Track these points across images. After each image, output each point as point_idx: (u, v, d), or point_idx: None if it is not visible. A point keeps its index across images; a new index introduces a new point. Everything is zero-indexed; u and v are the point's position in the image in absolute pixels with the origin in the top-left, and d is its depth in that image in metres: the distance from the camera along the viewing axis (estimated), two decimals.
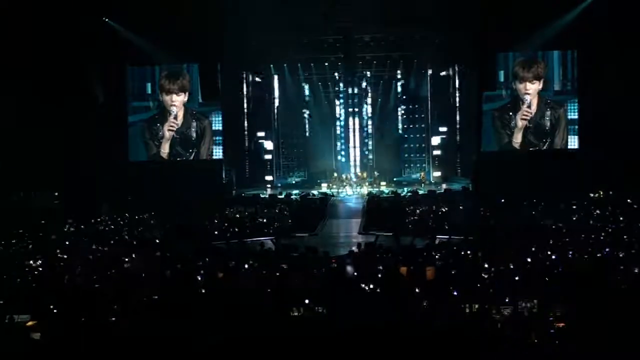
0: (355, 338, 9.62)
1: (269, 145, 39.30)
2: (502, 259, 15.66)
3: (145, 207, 29.37)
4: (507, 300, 11.66)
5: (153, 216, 28.32)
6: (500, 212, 26.28)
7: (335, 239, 26.05)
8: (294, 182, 38.93)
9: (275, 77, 39.63)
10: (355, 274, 15.04)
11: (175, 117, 34.60)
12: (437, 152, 39.15)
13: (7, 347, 9.82)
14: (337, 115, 40.12)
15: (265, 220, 27.82)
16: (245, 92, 38.37)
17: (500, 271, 14.50)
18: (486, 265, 15.08)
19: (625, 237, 18.79)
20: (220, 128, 35.10)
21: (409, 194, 33.98)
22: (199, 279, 14.62)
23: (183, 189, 31.84)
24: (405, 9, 33.39)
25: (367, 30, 35.73)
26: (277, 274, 14.96)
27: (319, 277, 14.59)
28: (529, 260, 15.58)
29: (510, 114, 33.73)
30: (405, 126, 40.07)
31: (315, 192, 35.43)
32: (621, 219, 23.68)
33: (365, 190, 35.65)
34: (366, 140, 40.12)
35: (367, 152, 40.05)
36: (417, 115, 40.04)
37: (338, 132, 40.09)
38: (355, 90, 39.68)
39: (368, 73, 39.55)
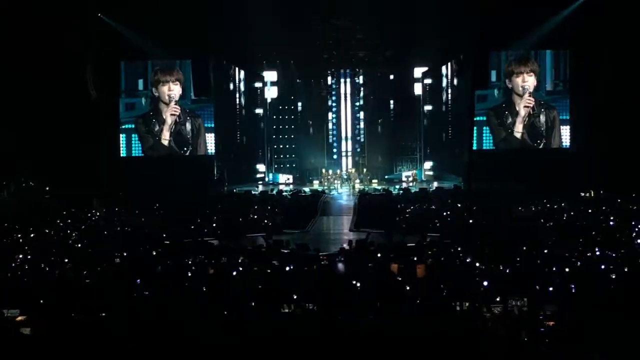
0: (346, 334, 9.64)
1: (260, 141, 39.28)
2: (492, 257, 15.72)
3: (136, 203, 29.30)
4: (497, 298, 11.70)
5: (144, 211, 28.26)
6: (491, 211, 26.30)
7: (327, 236, 26.05)
8: (285, 179, 38.85)
9: (268, 73, 39.52)
10: (346, 271, 15.06)
11: (176, 103, 34.53)
12: (428, 150, 39.17)
13: None
14: (329, 113, 40.04)
15: (256, 217, 27.79)
16: (237, 88, 38.30)
17: (491, 269, 14.54)
18: (477, 264, 15.11)
19: (617, 235, 18.88)
20: (212, 124, 35.07)
21: (400, 191, 33.99)
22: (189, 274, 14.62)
23: (175, 185, 31.78)
24: (400, 7, 33.42)
25: (360, 28, 35.72)
26: (268, 270, 14.96)
27: (310, 274, 14.60)
28: (519, 259, 15.61)
29: (506, 112, 33.82)
30: (397, 124, 40.01)
31: (306, 189, 35.40)
32: (611, 218, 23.77)
33: (356, 187, 35.63)
34: (358, 138, 40.08)
35: (358, 150, 40.02)
36: (409, 113, 39.96)
37: (330, 129, 40.04)
38: (348, 88, 39.61)
39: (361, 70, 39.49)
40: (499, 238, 19.70)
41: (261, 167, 39.33)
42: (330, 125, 39.98)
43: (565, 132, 33.79)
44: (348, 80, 39.49)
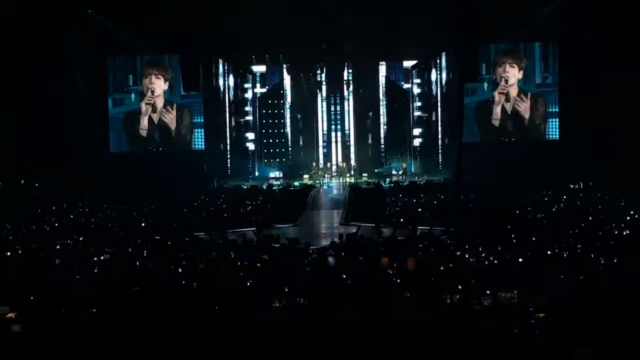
0: (336, 329, 9.65)
1: (250, 136, 39.23)
2: (482, 249, 15.77)
3: (126, 199, 29.23)
4: (487, 291, 11.72)
5: (135, 207, 28.22)
6: (481, 204, 26.36)
7: (317, 230, 26.06)
8: (275, 173, 38.80)
9: (257, 67, 39.49)
10: (337, 264, 15.07)
11: (153, 93, 34.52)
12: (418, 144, 39.22)
13: None
14: (319, 107, 40.02)
15: (246, 212, 27.77)
16: (226, 83, 38.26)
17: (481, 262, 14.58)
18: (467, 256, 15.16)
19: (606, 227, 18.95)
20: (202, 119, 35.07)
21: (390, 185, 34.04)
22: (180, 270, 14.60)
23: (165, 180, 31.74)
24: (389, 0, 33.46)
25: (350, 21, 35.67)
26: (259, 265, 14.96)
27: (300, 268, 14.60)
28: (509, 251, 15.65)
29: (491, 105, 34.01)
30: (387, 118, 40.03)
31: (296, 183, 35.41)
32: (599, 207, 23.89)
33: (346, 181, 35.66)
34: (347, 132, 40.07)
35: (348, 144, 40.01)
36: (399, 107, 39.98)
37: (320, 123, 40.01)
38: (337, 81, 39.60)
39: (350, 64, 39.46)
40: (490, 230, 19.76)
41: (251, 162, 39.28)
42: (319, 119, 39.93)
43: (554, 124, 33.93)
44: (337, 74, 39.45)
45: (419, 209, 26.46)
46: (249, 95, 39.77)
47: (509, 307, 11.24)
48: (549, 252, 15.51)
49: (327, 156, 39.40)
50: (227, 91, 38.41)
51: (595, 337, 8.77)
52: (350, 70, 39.77)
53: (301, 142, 39.86)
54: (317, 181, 35.75)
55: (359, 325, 9.99)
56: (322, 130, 39.97)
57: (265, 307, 11.50)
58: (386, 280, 13.18)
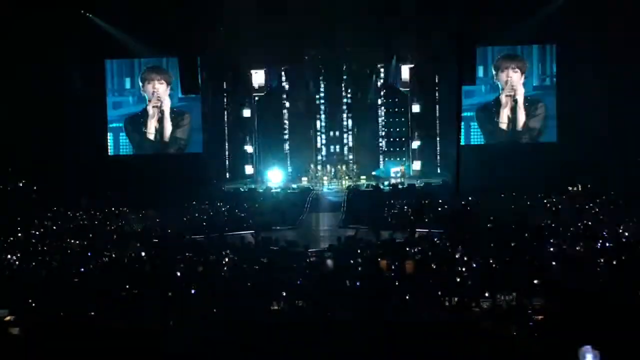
0: (335, 331, 9.65)
1: (248, 138, 39.17)
2: (481, 252, 15.77)
3: (125, 202, 29.24)
4: (486, 293, 11.73)
5: (134, 210, 28.22)
6: (479, 206, 26.37)
7: (315, 232, 26.08)
8: (273, 176, 38.70)
9: (255, 69, 39.45)
10: (335, 267, 15.07)
11: (158, 99, 34.60)
12: (417, 147, 39.16)
13: None
14: (317, 110, 39.97)
15: (245, 214, 27.79)
16: (225, 86, 38.23)
17: (480, 264, 14.58)
18: (465, 259, 15.16)
19: (605, 232, 18.95)
20: (200, 122, 35.07)
21: (388, 187, 34.03)
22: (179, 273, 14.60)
23: (163, 183, 31.70)
24: (387, 3, 33.44)
25: (348, 24, 35.66)
26: (257, 267, 14.96)
27: (299, 271, 14.60)
28: (508, 253, 15.65)
29: (494, 109, 34.10)
30: (385, 120, 40.00)
31: (295, 185, 35.40)
32: (597, 210, 23.90)
33: (344, 183, 35.64)
34: (346, 135, 40.02)
35: (347, 146, 39.94)
36: (397, 109, 39.97)
37: (318, 126, 39.97)
38: (336, 84, 39.57)
39: (348, 67, 39.42)
40: (488, 233, 19.78)
41: (249, 165, 39.21)
42: (318, 122, 39.90)
43: (552, 126, 33.97)
44: (335, 76, 39.42)
45: (417, 212, 26.46)
46: (247, 97, 39.69)
47: (508, 309, 11.25)
48: (547, 254, 15.52)
49: (326, 159, 39.30)
50: (225, 94, 38.35)
51: (592, 339, 8.77)
52: (348, 73, 39.71)
53: (300, 145, 39.79)
54: (316, 184, 35.71)
55: (358, 327, 10.00)
56: (320, 133, 39.90)
57: (264, 310, 11.50)
58: (385, 282, 13.18)
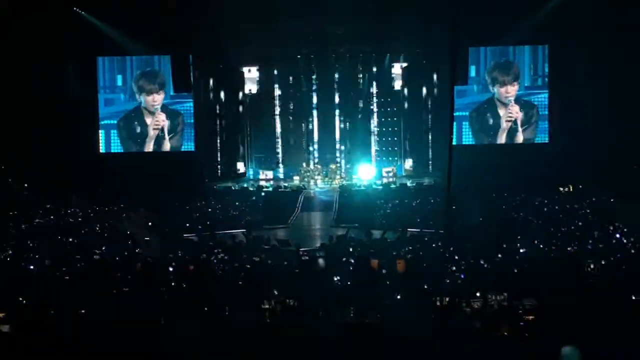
0: (327, 330, 9.66)
1: (240, 137, 39.17)
2: (472, 252, 15.80)
3: (116, 199, 29.18)
4: (477, 293, 11.75)
5: (123, 208, 28.18)
6: (470, 206, 26.40)
7: (307, 231, 26.13)
8: (266, 174, 38.75)
9: (248, 69, 39.45)
10: (327, 266, 15.08)
11: (159, 114, 34.59)
12: (408, 146, 39.21)
13: None
14: (309, 109, 39.98)
15: (236, 213, 27.80)
16: (217, 84, 38.20)
17: (471, 264, 14.61)
18: (456, 258, 15.18)
19: (595, 233, 19.01)
20: (192, 120, 35.04)
21: (380, 187, 34.09)
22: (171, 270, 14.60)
23: (155, 181, 31.61)
24: (380, 3, 33.43)
25: (339, 23, 35.69)
26: (248, 266, 14.97)
27: (290, 270, 14.61)
28: (499, 253, 15.69)
29: (488, 115, 34.13)
30: (377, 120, 40.04)
31: (287, 184, 35.40)
32: (588, 211, 23.96)
33: (336, 183, 35.66)
34: (338, 134, 40.01)
35: (339, 146, 39.95)
36: (389, 109, 40.01)
37: (310, 125, 39.97)
38: (329, 83, 39.57)
39: (340, 66, 39.43)
40: (479, 233, 19.82)
41: (241, 164, 39.22)
42: (310, 121, 39.90)
43: (544, 127, 34.06)
44: (328, 75, 39.42)
45: (409, 211, 26.53)
46: (239, 96, 39.65)
47: (499, 309, 11.27)
48: (538, 255, 15.57)
49: (318, 158, 39.32)
50: (217, 92, 38.32)
51: (585, 338, 8.80)
52: (341, 73, 39.71)
53: (291, 144, 39.80)
54: (308, 183, 35.71)
55: (349, 326, 10.01)
56: (313, 132, 39.92)
57: (255, 309, 11.50)
58: (376, 282, 13.20)
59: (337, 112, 39.76)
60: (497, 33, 32.93)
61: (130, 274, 14.23)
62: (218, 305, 11.38)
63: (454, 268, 14.21)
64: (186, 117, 34.90)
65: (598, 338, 8.75)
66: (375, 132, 39.79)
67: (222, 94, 38.45)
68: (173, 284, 13.34)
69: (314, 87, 39.55)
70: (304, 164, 37.70)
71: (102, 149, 34.95)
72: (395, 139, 39.83)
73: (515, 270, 13.67)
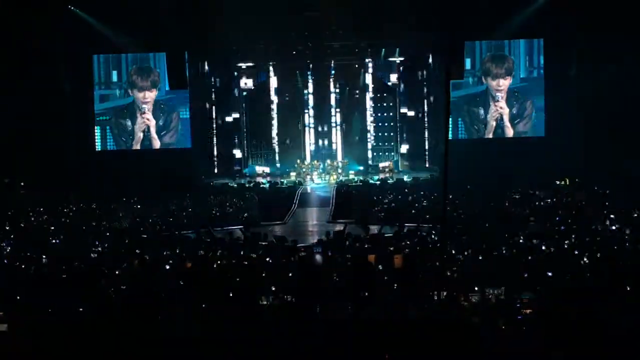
0: (325, 326, 9.66)
1: (237, 134, 39.14)
2: (469, 246, 15.81)
3: (113, 197, 29.17)
4: (475, 287, 11.77)
5: (120, 205, 28.17)
6: (467, 201, 26.42)
7: (304, 227, 26.11)
8: (262, 171, 38.73)
9: (243, 64, 39.37)
10: (324, 262, 15.09)
11: (146, 113, 34.55)
12: (405, 141, 39.21)
13: None
14: (306, 104, 39.94)
15: (233, 210, 27.79)
16: (212, 81, 38.18)
17: (468, 258, 14.62)
18: (453, 252, 15.20)
19: (593, 227, 19.02)
20: (188, 117, 35.03)
21: (377, 182, 34.09)
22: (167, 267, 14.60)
23: (151, 178, 31.60)
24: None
25: (334, 18, 35.63)
26: (246, 263, 14.96)
27: (287, 266, 14.61)
28: (496, 247, 15.70)
29: (480, 108, 34.17)
30: (374, 115, 40.01)
31: (284, 181, 35.39)
32: (583, 203, 23.98)
33: (333, 179, 35.64)
34: (335, 130, 39.99)
35: (335, 141, 39.92)
36: (385, 104, 39.98)
37: (307, 121, 39.92)
38: (324, 79, 39.53)
39: (336, 62, 39.37)
40: (476, 227, 19.84)
41: (238, 155, 39.15)
42: (307, 117, 39.87)
43: (540, 120, 34.10)
44: (323, 71, 39.39)
45: (406, 206, 26.52)
46: (235, 92, 39.61)
47: (496, 304, 11.29)
48: (535, 249, 15.58)
49: (315, 154, 39.28)
50: (213, 89, 38.30)
51: (582, 333, 8.82)
52: (336, 68, 39.68)
53: (288, 140, 39.77)
54: (305, 179, 35.70)
55: (346, 322, 10.01)
56: (309, 128, 39.88)
57: (253, 305, 11.51)
58: (373, 277, 13.20)
59: (333, 107, 39.74)
60: (493, 27, 32.96)
61: (127, 271, 14.24)
62: (214, 302, 11.39)
63: (451, 262, 14.22)
64: (182, 114, 34.89)
65: (595, 330, 8.78)
66: (372, 128, 39.75)
67: (218, 90, 38.42)
68: (170, 281, 13.33)
69: (310, 83, 39.51)
70: (299, 160, 37.63)
71: (97, 147, 34.90)
72: (392, 134, 39.81)
73: (513, 264, 13.68)
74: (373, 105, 39.84)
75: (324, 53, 38.18)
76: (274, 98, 39.82)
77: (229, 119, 38.97)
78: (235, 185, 34.48)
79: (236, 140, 39.36)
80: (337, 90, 39.90)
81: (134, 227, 23.02)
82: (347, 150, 39.67)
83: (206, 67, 37.58)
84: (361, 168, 38.15)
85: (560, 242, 16.26)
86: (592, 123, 30.62)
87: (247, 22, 33.81)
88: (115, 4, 31.35)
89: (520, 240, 16.82)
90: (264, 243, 18.89)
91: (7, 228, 22.54)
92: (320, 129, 39.85)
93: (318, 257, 15.90)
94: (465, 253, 15.12)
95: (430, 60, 36.90)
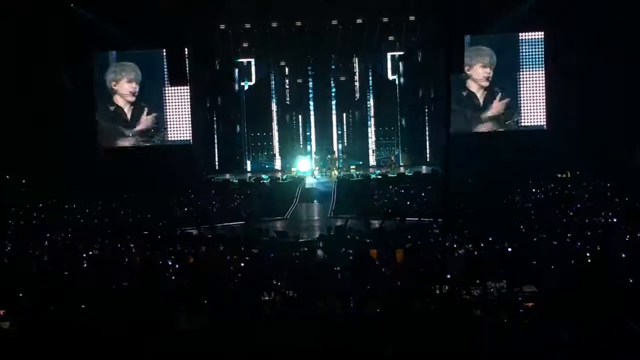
0: (327, 322, 9.67)
1: (238, 129, 39.15)
2: (471, 240, 15.82)
3: (114, 194, 29.18)
4: (477, 281, 11.77)
5: (123, 202, 28.19)
6: (469, 194, 26.42)
7: (306, 222, 26.12)
8: (264, 166, 38.73)
9: (244, 60, 39.34)
10: (326, 257, 15.10)
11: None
12: (406, 135, 39.19)
13: None
14: (306, 99, 39.91)
15: (235, 206, 27.80)
16: (213, 76, 38.13)
17: (470, 252, 14.63)
18: (455, 246, 15.20)
19: (594, 218, 19.02)
20: (189, 113, 35.06)
21: (378, 177, 34.09)
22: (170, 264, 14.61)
23: (152, 175, 31.58)
24: None
25: (334, 14, 35.60)
26: (248, 258, 14.98)
27: (289, 262, 14.63)
28: (497, 241, 15.71)
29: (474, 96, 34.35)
30: (374, 109, 39.98)
31: (285, 176, 35.39)
32: (586, 196, 23.98)
33: (334, 173, 35.62)
34: (335, 124, 39.96)
35: (336, 136, 39.88)
36: (386, 98, 39.94)
37: (308, 116, 39.88)
38: (325, 74, 39.49)
39: (335, 56, 39.35)
40: (478, 221, 19.83)
41: (238, 150, 39.17)
42: (308, 112, 39.83)
43: (541, 113, 34.13)
44: (324, 66, 39.37)
45: (408, 201, 26.54)
46: (236, 88, 39.58)
47: (499, 297, 11.30)
48: (537, 242, 15.58)
49: (315, 149, 39.24)
50: (213, 85, 38.25)
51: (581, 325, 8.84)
52: (336, 62, 39.65)
53: (289, 136, 39.76)
54: (306, 174, 35.70)
55: (348, 317, 10.03)
56: (310, 123, 39.84)
57: (255, 301, 11.51)
58: (375, 271, 13.21)
59: (333, 102, 39.71)
60: (493, 20, 32.95)
61: (129, 268, 14.25)
62: (218, 298, 11.40)
63: (453, 256, 14.22)
64: (182, 110, 35.00)
65: (597, 324, 8.79)
66: (372, 122, 39.73)
67: (218, 86, 38.39)
68: (173, 277, 13.35)
69: (310, 78, 39.48)
70: (302, 156, 37.63)
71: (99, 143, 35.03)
72: (392, 128, 39.81)
73: (515, 258, 13.69)
74: (373, 99, 39.80)
75: (323, 47, 38.13)
76: (274, 93, 39.79)
77: (229, 114, 38.94)
78: (236, 181, 34.46)
79: (237, 136, 39.35)
80: (337, 85, 39.82)
81: (135, 224, 23.02)
82: (348, 145, 39.69)
83: (207, 63, 37.47)
84: (362, 162, 38.13)
85: (563, 235, 16.27)
86: (592, 115, 30.58)
87: (247, 17, 33.81)
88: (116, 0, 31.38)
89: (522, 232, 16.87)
90: (265, 238, 18.91)
91: (9, 227, 22.54)
92: (320, 123, 39.77)
93: (319, 252, 15.91)
94: (468, 246, 15.13)
95: (431, 54, 36.82)
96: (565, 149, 30.65)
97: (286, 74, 39.79)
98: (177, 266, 14.29)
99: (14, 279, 13.45)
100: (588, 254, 13.74)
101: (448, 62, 33.20)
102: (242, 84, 39.41)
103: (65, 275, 13.78)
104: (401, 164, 38.38)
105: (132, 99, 35.02)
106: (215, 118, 38.32)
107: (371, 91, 39.77)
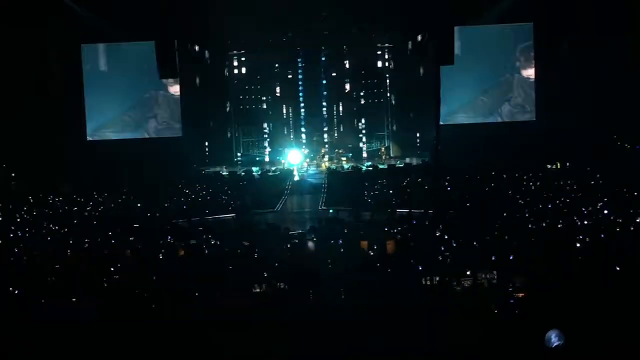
0: (318, 313, 9.68)
1: (228, 122, 39.07)
2: (461, 230, 15.85)
3: (105, 187, 29.11)
4: (467, 272, 11.80)
5: (113, 195, 28.12)
6: (459, 185, 26.47)
7: (296, 215, 26.12)
8: (254, 159, 38.69)
9: (234, 53, 39.25)
10: (316, 249, 15.11)
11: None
12: (395, 127, 39.20)
13: None
14: (297, 92, 39.86)
15: (225, 198, 27.77)
16: (203, 69, 38.04)
17: (460, 244, 14.65)
18: (446, 237, 15.23)
19: (583, 209, 19.05)
20: (179, 105, 34.99)
21: (369, 168, 34.10)
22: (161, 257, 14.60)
23: (143, 167, 31.52)
24: None
25: (324, 5, 35.56)
26: (238, 251, 14.98)
27: (280, 254, 14.62)
28: (488, 232, 15.73)
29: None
30: (364, 101, 39.98)
31: (275, 168, 35.36)
32: (575, 187, 24.05)
33: (325, 165, 35.61)
34: (326, 116, 39.95)
35: (326, 129, 39.87)
36: (376, 90, 39.97)
37: (298, 108, 39.84)
38: (314, 65, 39.44)
39: (325, 48, 39.30)
40: (468, 212, 19.89)
41: (229, 143, 39.12)
42: (298, 104, 39.80)
43: (531, 105, 34.18)
44: (313, 58, 39.32)
45: (398, 192, 26.57)
46: (225, 80, 39.49)
47: (489, 288, 11.33)
48: (527, 232, 15.62)
49: (306, 141, 39.20)
50: (203, 77, 38.15)
51: (574, 316, 8.85)
52: (326, 55, 39.61)
53: (280, 128, 39.72)
54: (297, 166, 35.66)
55: (339, 309, 10.04)
56: (301, 115, 39.79)
57: (246, 293, 11.52)
58: (365, 263, 13.23)
59: (323, 94, 39.67)
60: (482, 11, 32.95)
61: (119, 261, 14.22)
62: (209, 290, 11.40)
63: (443, 247, 14.25)
64: (173, 103, 34.92)
65: (588, 315, 8.81)
66: (362, 114, 39.71)
67: (208, 78, 38.28)
68: (164, 270, 13.34)
69: (300, 71, 39.44)
70: (292, 148, 37.56)
71: (88, 136, 34.91)
72: (382, 119, 39.82)
73: (505, 249, 13.72)
74: (363, 91, 39.81)
75: (313, 40, 38.09)
76: (265, 86, 39.74)
77: (219, 106, 38.87)
78: (227, 173, 34.42)
79: (227, 128, 39.29)
80: (327, 77, 39.78)
81: (126, 217, 22.96)
82: (338, 137, 39.67)
83: (197, 56, 37.38)
84: (352, 154, 38.10)
85: (553, 225, 16.32)
86: (583, 106, 30.63)
87: (237, 10, 33.69)
88: None
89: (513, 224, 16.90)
90: (256, 231, 18.90)
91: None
92: (311, 116, 39.73)
93: (310, 244, 15.92)
94: (458, 238, 15.15)
95: (420, 45, 36.78)
96: (556, 141, 30.73)
97: (276, 66, 39.69)
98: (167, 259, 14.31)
99: (5, 272, 13.43)
100: (578, 245, 13.78)
101: (438, 53, 33.37)
102: (233, 75, 39.33)
103: (56, 268, 13.75)
104: (392, 155, 38.40)
105: (122, 91, 34.86)
106: (205, 111, 38.20)
107: (361, 83, 39.74)
